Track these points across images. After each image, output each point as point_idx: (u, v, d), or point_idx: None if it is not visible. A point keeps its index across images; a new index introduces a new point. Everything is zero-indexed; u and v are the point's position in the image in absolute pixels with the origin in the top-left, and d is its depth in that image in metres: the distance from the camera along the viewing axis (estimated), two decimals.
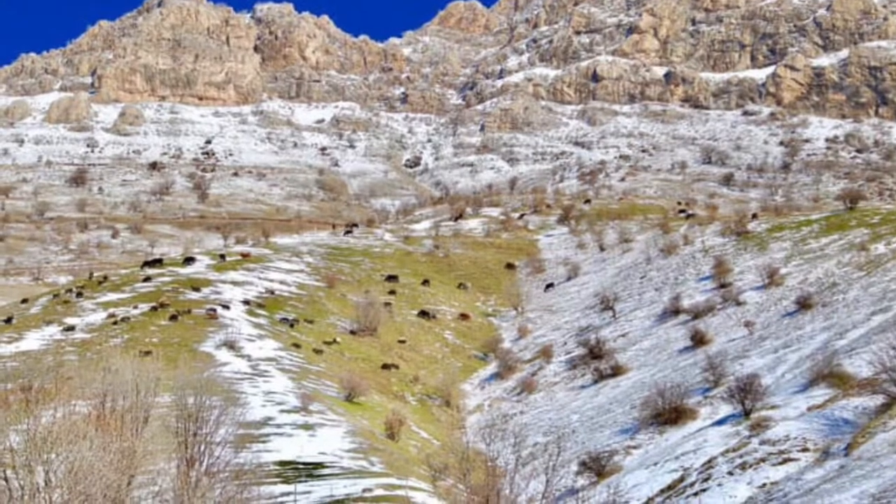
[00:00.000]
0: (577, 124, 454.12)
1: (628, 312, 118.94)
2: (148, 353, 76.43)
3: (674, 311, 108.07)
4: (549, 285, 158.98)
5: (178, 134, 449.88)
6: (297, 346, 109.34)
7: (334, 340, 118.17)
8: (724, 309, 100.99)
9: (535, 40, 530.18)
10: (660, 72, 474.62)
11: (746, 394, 57.48)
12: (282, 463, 59.52)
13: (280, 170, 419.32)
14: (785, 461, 44.18)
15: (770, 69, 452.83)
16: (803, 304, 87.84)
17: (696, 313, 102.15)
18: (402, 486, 51.53)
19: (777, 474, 42.92)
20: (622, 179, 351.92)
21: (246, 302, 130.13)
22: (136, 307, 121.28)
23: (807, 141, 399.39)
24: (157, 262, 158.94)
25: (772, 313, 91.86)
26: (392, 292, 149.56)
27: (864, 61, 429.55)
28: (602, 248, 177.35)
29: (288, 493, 50.36)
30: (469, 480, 30.59)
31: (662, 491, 48.80)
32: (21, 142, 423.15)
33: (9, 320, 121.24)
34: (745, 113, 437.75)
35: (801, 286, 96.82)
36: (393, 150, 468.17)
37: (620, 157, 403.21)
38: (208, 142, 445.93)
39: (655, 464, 55.41)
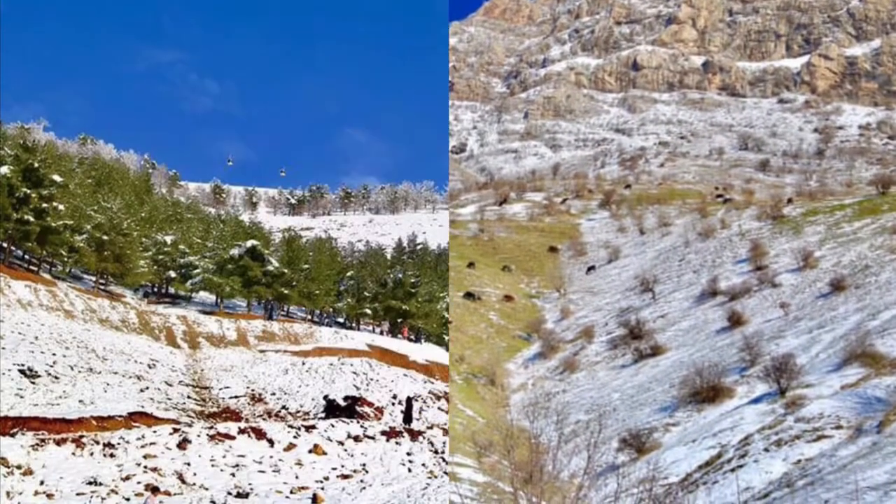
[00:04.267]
0: (618, 112, 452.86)
1: (667, 294, 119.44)
2: None
3: (711, 292, 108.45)
4: (591, 268, 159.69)
5: None
6: None
7: None
8: (760, 291, 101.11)
9: (577, 31, 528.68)
10: (698, 61, 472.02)
11: (782, 373, 57.50)
12: None
13: None
14: (819, 438, 43.97)
15: (805, 58, 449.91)
16: (837, 286, 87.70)
17: (733, 295, 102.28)
18: (448, 462, 52.00)
19: (811, 451, 42.65)
20: (661, 165, 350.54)
21: None
22: None
23: (840, 128, 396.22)
24: None
25: (806, 295, 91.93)
26: None
27: None
28: (642, 232, 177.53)
29: None
30: (513, 457, 31.83)
31: (701, 467, 48.98)
32: None
33: None
34: (781, 101, 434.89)
35: (834, 269, 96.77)
36: None
37: (660, 143, 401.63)
38: None
39: (694, 441, 55.55)
